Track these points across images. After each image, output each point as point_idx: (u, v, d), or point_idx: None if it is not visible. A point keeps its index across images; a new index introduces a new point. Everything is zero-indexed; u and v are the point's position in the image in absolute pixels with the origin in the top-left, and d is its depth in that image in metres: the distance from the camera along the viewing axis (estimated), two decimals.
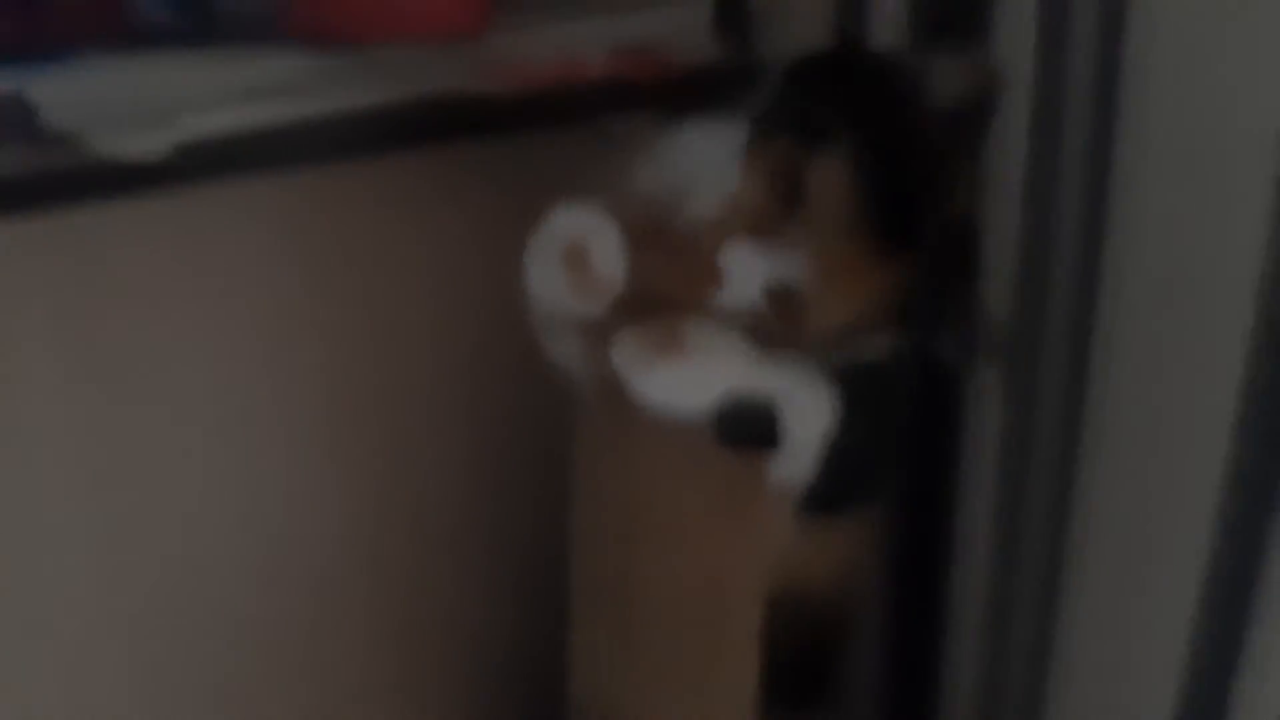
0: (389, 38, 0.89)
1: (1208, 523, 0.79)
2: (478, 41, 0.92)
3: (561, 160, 0.83)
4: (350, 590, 1.01)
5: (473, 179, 0.91)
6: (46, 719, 0.92)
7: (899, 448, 0.86)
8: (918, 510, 1.02)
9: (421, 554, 1.03)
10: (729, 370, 0.73)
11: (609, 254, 0.72)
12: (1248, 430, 0.74)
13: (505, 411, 0.94)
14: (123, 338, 0.87)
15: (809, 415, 0.75)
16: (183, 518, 0.92)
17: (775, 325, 0.71)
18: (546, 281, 0.75)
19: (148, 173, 0.78)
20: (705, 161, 0.73)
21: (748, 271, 0.69)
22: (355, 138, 0.86)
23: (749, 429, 0.74)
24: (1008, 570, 0.98)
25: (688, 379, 0.73)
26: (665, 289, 0.74)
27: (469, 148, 0.89)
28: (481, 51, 0.92)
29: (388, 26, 0.89)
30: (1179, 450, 0.80)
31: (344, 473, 0.97)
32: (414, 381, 0.97)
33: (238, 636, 0.97)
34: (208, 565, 0.94)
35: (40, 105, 0.80)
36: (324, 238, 0.91)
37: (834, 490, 0.77)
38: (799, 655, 0.88)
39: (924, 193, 0.68)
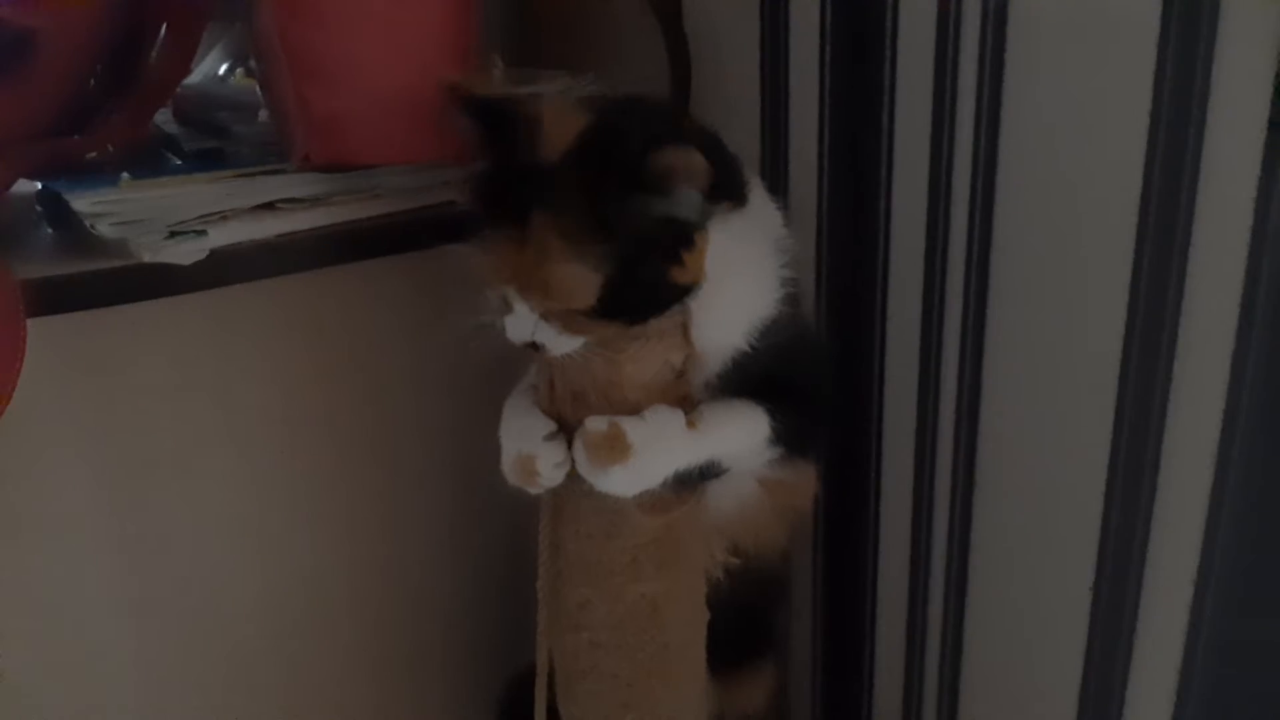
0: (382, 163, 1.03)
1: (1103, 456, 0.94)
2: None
3: None
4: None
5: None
6: None
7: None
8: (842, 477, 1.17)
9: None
10: (672, 455, 0.84)
11: (551, 468, 0.86)
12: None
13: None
14: (145, 419, 0.97)
15: (751, 445, 0.87)
16: (198, 549, 1.03)
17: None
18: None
19: (185, 275, 0.90)
20: None
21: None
22: (356, 245, 1.00)
23: None
24: (924, 538, 1.12)
25: (638, 473, 0.83)
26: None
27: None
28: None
29: (382, 156, 1.02)
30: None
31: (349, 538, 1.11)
32: (404, 444, 1.12)
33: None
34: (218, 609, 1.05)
35: (91, 217, 0.92)
36: (328, 330, 1.04)
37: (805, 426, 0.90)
38: (745, 609, 0.99)
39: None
